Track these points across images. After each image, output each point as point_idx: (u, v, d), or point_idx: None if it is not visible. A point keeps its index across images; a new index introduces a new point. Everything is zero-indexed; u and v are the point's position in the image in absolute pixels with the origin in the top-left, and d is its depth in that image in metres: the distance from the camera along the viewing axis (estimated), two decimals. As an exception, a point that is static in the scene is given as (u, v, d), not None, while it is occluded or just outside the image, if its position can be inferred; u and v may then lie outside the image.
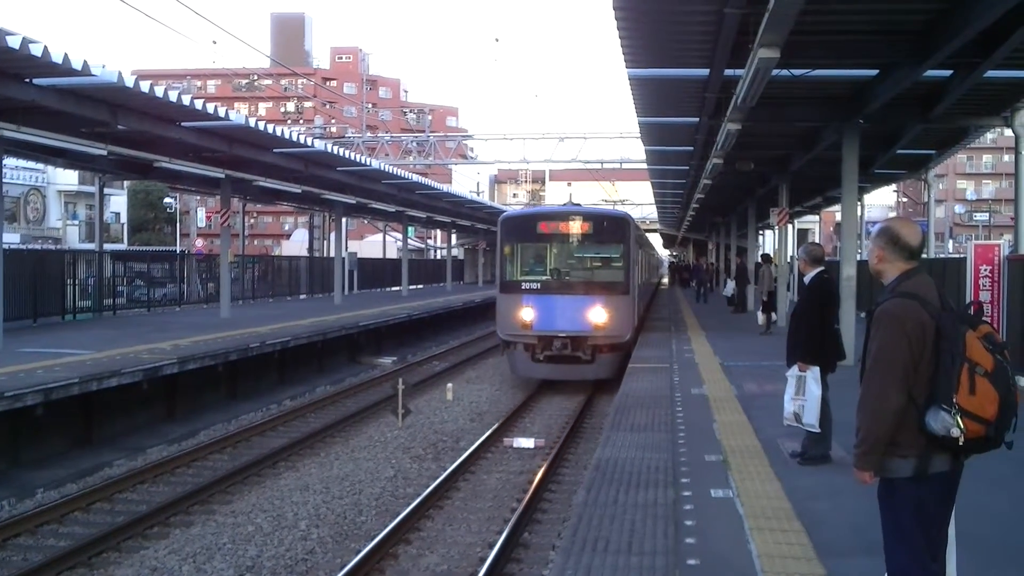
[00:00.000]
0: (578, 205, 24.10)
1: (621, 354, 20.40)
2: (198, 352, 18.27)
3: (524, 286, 20.98)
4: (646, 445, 10.36)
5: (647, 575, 6.12)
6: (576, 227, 21.22)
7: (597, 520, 7.40)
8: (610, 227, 21.63)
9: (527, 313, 20.45)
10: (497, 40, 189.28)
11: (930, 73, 14.26)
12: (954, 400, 4.25)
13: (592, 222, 21.38)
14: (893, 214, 68.33)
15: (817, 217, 53.32)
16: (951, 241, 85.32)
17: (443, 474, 13.45)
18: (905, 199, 70.39)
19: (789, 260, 32.07)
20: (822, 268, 9.81)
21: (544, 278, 21.42)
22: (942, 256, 39.05)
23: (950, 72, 15.23)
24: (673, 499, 8.01)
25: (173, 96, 18.26)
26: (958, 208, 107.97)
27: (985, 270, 15.26)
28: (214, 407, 19.18)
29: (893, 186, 52.86)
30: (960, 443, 4.29)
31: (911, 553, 4.47)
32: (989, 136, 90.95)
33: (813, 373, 9.29)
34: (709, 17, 12.68)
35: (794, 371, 9.49)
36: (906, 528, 4.46)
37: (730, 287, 35.02)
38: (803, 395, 9.35)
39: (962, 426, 4.25)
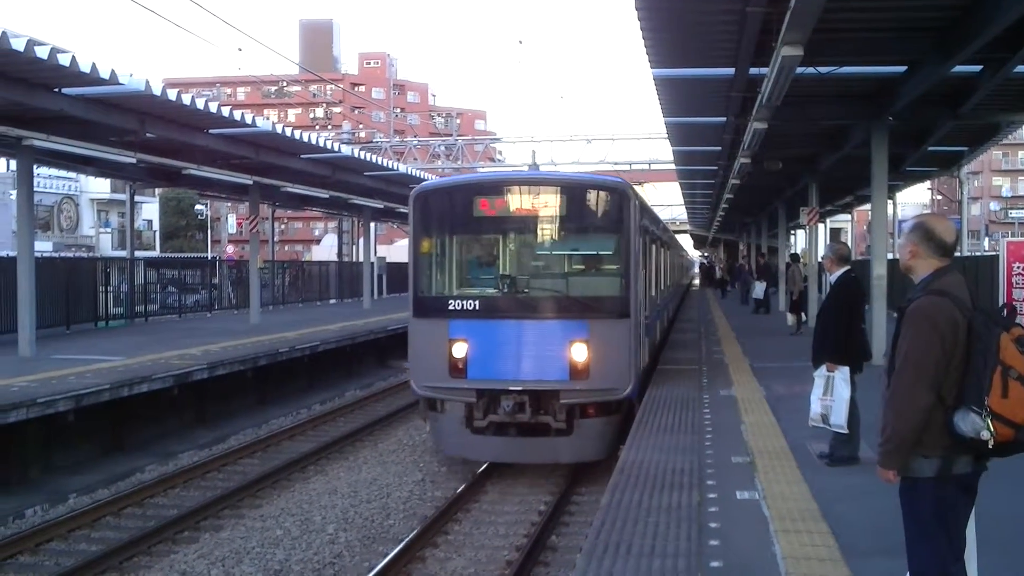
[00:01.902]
0: (543, 169, 17.70)
1: (617, 419, 13.09)
2: (228, 358, 18.40)
3: (453, 306, 13.10)
4: (672, 447, 10.31)
5: (670, 578, 6.09)
6: (541, 205, 13.60)
7: (621, 523, 7.37)
8: (598, 204, 13.76)
9: (459, 351, 12.83)
10: (521, 42, 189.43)
11: (959, 69, 14.11)
12: (986, 403, 4.20)
13: (567, 196, 13.66)
14: (927, 212, 67.58)
15: (849, 216, 52.93)
16: (987, 239, 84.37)
17: (471, 477, 13.46)
18: (939, 197, 69.73)
19: (819, 260, 31.82)
20: (849, 267, 9.74)
21: (486, 292, 13.83)
22: (976, 254, 38.61)
23: (979, 68, 15.05)
24: (698, 501, 7.96)
25: (200, 104, 18.41)
26: (993, 205, 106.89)
27: (1018, 268, 15.05)
28: (244, 412, 19.30)
29: (927, 184, 52.35)
30: (989, 446, 4.24)
31: (934, 554, 4.43)
32: None
33: (842, 373, 9.22)
34: (731, 16, 12.61)
35: (822, 371, 9.42)
36: (929, 528, 4.42)
37: (759, 289, 34.70)
38: (831, 395, 9.28)
39: (992, 430, 4.20)
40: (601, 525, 7.32)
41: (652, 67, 15.69)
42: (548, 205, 13.60)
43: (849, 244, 42.76)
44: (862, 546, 6.63)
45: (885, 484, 4.56)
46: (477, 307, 13.08)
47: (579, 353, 12.61)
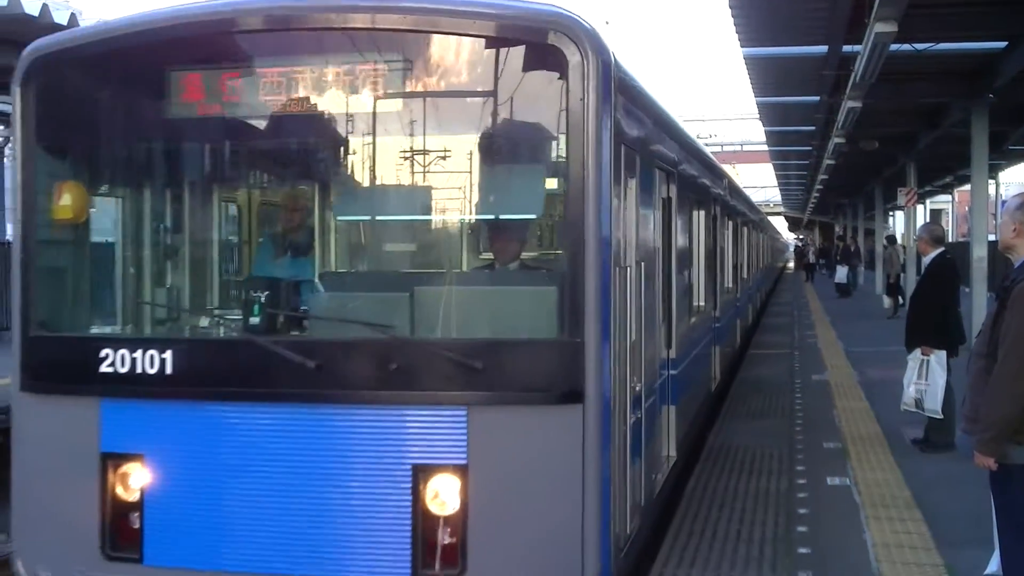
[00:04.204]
0: None
1: None
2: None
3: (112, 363, 4.82)
4: (761, 432, 10.18)
5: (755, 564, 6.02)
6: (346, 85, 4.93)
7: (707, 508, 7.30)
8: (496, 75, 4.91)
9: (128, 489, 4.91)
10: (608, 23, 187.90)
11: (1063, 43, 13.61)
12: None
13: (422, 57, 5.02)
14: (1032, 191, 65.35)
15: (950, 197, 51.44)
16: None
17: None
18: (1045, 176, 67.44)
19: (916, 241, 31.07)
20: (943, 248, 9.46)
21: (203, 327, 5.80)
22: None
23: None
24: (787, 487, 7.84)
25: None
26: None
27: None
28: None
29: (1031, 162, 50.66)
30: None
31: (1026, 540, 4.32)
32: None
33: (938, 357, 9.01)
34: (823, -8, 12.38)
35: (916, 355, 9.20)
36: (1020, 517, 4.31)
37: (841, 273, 34.14)
38: (926, 380, 9.06)
39: None
40: (687, 510, 7.26)
41: (742, 46, 15.49)
42: (368, 83, 5.05)
43: (950, 226, 41.44)
44: (956, 535, 6.47)
45: (981, 471, 4.45)
46: (174, 367, 4.94)
47: (443, 502, 4.70)
